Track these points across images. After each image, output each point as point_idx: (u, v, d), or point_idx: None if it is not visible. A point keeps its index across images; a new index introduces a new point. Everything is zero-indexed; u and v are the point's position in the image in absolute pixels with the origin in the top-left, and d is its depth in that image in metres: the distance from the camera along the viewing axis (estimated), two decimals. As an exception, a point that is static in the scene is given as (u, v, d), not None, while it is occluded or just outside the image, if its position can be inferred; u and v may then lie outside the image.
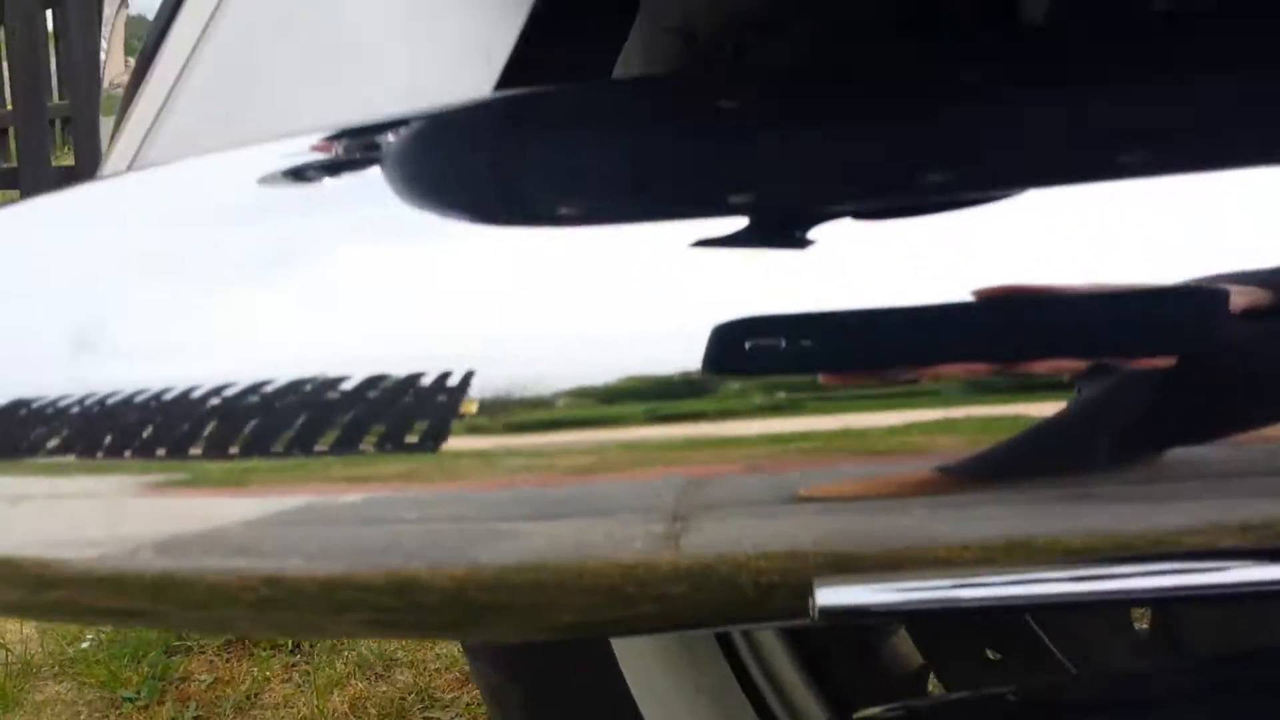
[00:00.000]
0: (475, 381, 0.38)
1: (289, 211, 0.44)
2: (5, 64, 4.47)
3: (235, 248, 0.43)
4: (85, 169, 4.26)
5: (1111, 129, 0.40)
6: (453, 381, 0.39)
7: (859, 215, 0.38)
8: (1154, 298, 0.35)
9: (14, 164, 4.34)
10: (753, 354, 0.36)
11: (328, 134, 0.46)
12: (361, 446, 0.39)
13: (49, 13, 4.36)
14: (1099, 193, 0.37)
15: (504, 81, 0.62)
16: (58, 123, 4.84)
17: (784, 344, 0.36)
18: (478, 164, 0.46)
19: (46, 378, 0.41)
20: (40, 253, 0.45)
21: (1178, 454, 0.36)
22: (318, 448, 0.39)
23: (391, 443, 0.39)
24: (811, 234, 0.37)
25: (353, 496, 0.39)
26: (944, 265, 0.36)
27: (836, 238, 0.38)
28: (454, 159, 0.46)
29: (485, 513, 0.39)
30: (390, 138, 0.46)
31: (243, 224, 0.44)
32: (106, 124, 0.98)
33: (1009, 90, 0.42)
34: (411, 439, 0.39)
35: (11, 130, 4.41)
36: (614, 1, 0.55)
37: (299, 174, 0.44)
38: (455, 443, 0.39)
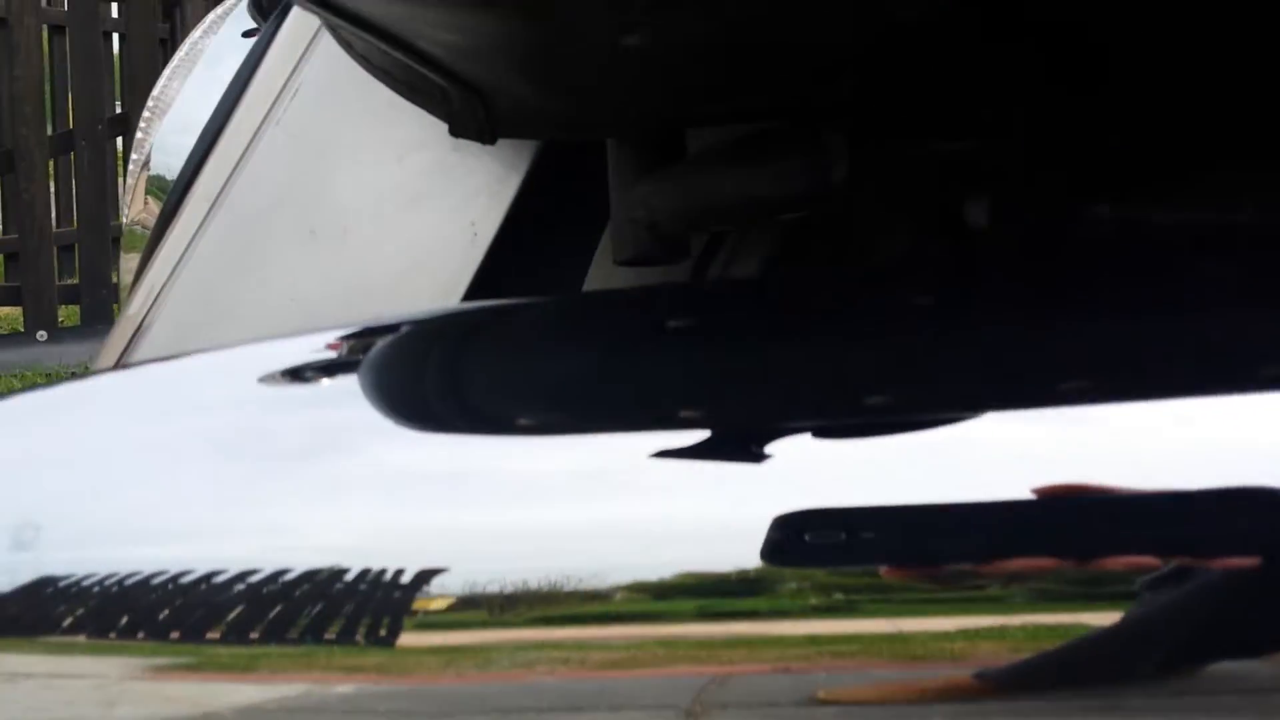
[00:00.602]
0: (440, 581, 0.39)
1: (304, 407, 0.45)
2: (74, 185, 4.65)
3: (232, 441, 0.44)
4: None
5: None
6: (408, 580, 0.39)
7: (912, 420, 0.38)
8: (1207, 504, 0.35)
9: (76, 280, 4.48)
10: (812, 548, 0.36)
11: (337, 334, 0.48)
12: (356, 638, 0.39)
13: (119, 139, 4.55)
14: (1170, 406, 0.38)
15: (490, 259, 0.65)
16: (121, 241, 5.01)
17: (845, 537, 0.36)
18: (503, 370, 0.47)
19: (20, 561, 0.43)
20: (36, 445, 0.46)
21: (1214, 666, 0.36)
22: (314, 637, 0.39)
23: (371, 636, 0.39)
24: (850, 439, 0.38)
25: (346, 688, 0.40)
26: (999, 466, 0.37)
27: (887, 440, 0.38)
28: (473, 364, 0.47)
29: (478, 705, 0.39)
30: (398, 339, 0.47)
31: (239, 419, 0.45)
32: (127, 259, 1.03)
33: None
34: (386, 634, 0.39)
35: (76, 248, 4.58)
36: (592, 191, 0.58)
37: (299, 374, 0.46)
38: (412, 638, 0.39)
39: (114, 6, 4.74)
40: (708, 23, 0.34)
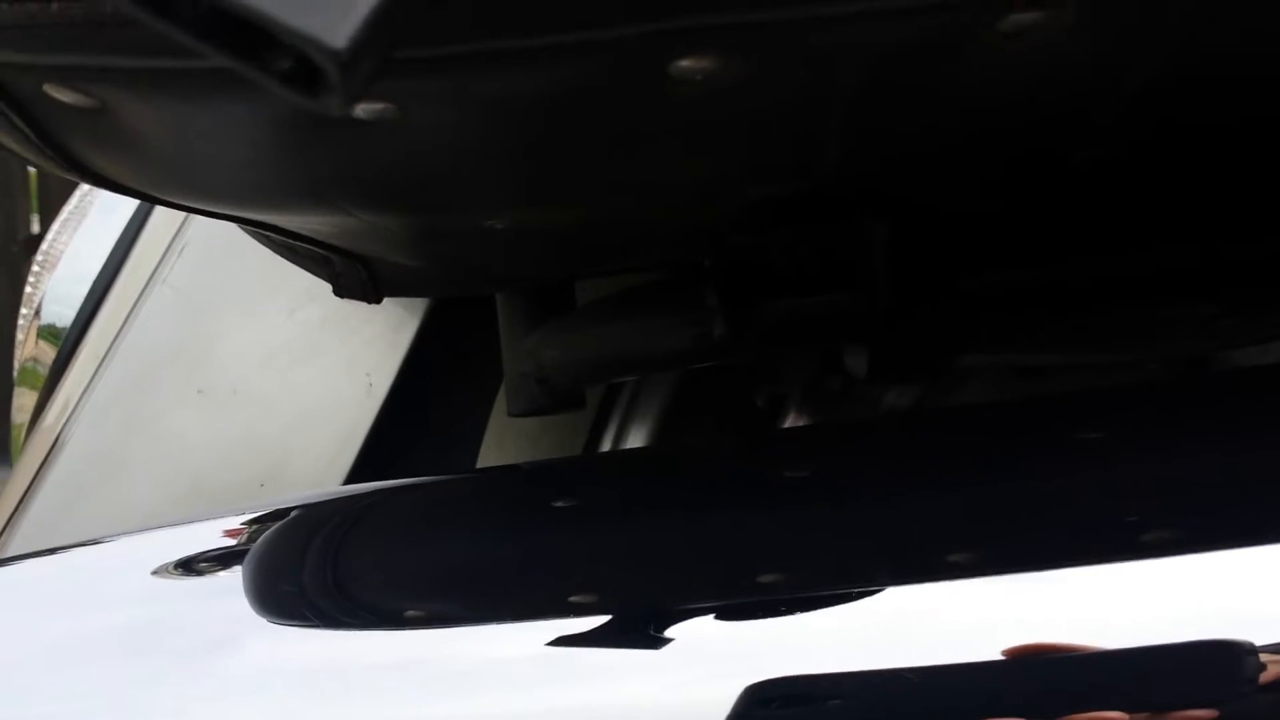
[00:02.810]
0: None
1: (199, 603, 0.42)
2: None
3: (125, 643, 0.41)
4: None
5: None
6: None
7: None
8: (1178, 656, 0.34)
9: (-9, 403, 4.37)
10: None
11: (230, 522, 0.46)
12: None
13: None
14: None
15: (388, 409, 0.64)
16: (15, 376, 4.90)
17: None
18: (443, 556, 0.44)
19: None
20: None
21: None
22: None
23: None
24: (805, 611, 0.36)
25: None
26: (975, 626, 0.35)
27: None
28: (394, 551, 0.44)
29: None
30: (306, 523, 0.45)
31: (143, 612, 0.42)
32: (21, 393, 1.01)
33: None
34: None
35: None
36: (491, 337, 0.57)
37: (189, 566, 0.44)
38: None
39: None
40: (564, 213, 0.34)
